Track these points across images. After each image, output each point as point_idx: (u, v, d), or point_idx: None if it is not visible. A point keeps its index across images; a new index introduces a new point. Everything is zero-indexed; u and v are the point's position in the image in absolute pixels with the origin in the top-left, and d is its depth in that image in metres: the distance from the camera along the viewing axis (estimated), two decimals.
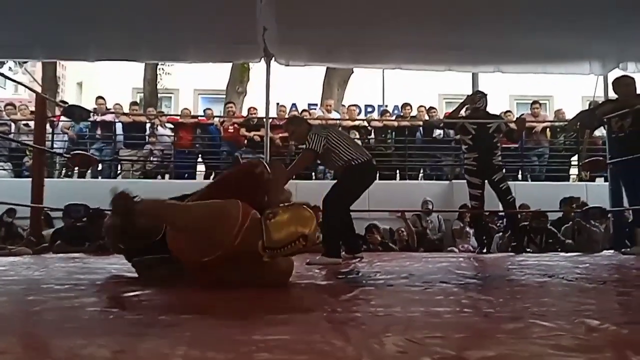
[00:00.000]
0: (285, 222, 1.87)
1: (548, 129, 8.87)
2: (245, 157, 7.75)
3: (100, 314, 1.46)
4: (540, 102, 9.57)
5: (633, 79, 4.82)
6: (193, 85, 13.75)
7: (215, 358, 0.93)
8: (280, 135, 7.80)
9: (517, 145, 8.22)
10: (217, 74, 11.36)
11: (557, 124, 8.84)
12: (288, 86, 10.44)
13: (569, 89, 12.04)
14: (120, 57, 5.86)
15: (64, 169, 8.74)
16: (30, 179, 5.01)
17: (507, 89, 12.40)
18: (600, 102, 5.56)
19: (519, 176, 8.61)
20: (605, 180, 6.36)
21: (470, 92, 5.76)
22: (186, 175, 8.66)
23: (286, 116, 8.28)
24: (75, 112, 5.54)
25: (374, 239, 6.11)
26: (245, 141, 8.68)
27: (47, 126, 6.83)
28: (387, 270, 2.80)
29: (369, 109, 13.49)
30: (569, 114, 8.08)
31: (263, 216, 1.90)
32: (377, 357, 0.96)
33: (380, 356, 0.97)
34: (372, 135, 8.92)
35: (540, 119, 8.87)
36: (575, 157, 8.84)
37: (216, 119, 8.94)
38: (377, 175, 4.21)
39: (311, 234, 1.86)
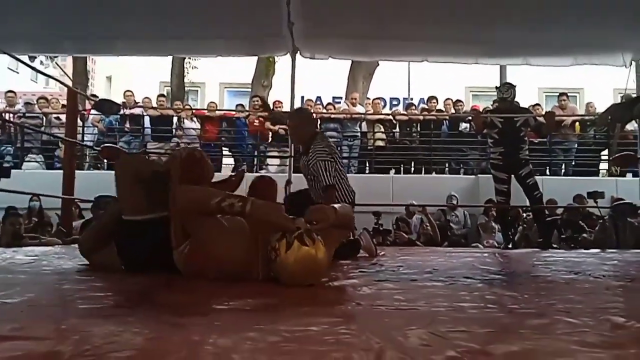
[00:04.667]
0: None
1: (577, 123, 8.70)
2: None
3: (134, 303, 1.51)
4: (570, 95, 9.38)
5: None
6: (219, 79, 13.87)
7: (245, 347, 0.97)
8: None
9: (545, 139, 8.09)
10: (242, 68, 11.44)
11: (587, 117, 8.66)
12: (313, 79, 10.46)
13: (600, 82, 11.77)
14: (147, 51, 5.97)
15: (94, 161, 8.95)
16: (61, 171, 5.15)
17: (535, 82, 12.18)
18: (632, 94, 5.43)
19: (547, 171, 8.47)
20: (635, 176, 6.22)
21: (497, 84, 5.67)
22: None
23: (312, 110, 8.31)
24: (105, 106, 5.67)
25: (401, 236, 6.09)
26: (270, 135, 8.76)
27: (77, 119, 7.00)
28: (410, 265, 2.80)
29: (394, 102, 13.42)
30: (600, 107, 7.91)
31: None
32: (401, 349, 0.97)
33: (404, 349, 0.98)
34: (397, 129, 8.88)
35: (569, 112, 8.69)
36: (606, 152, 8.66)
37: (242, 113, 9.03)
38: None
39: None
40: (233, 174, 2.65)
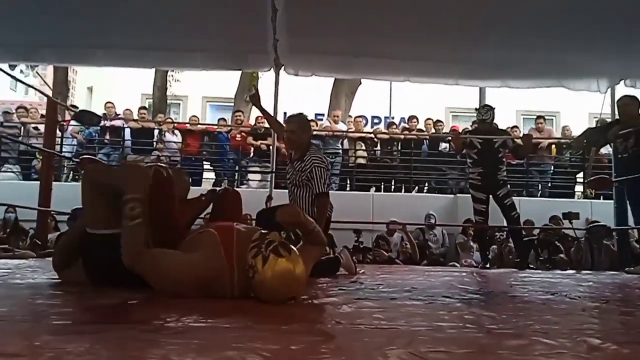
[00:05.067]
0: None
1: (554, 145, 8.88)
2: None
3: (109, 319, 1.48)
4: (547, 118, 9.59)
5: (632, 97, 4.84)
6: (202, 92, 13.83)
7: None
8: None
9: (522, 161, 8.23)
10: (225, 82, 11.43)
11: (563, 140, 8.85)
12: (296, 96, 10.50)
13: (576, 106, 12.06)
14: (129, 63, 5.94)
15: (72, 172, 8.81)
16: (38, 182, 5.06)
17: (514, 104, 12.42)
18: (607, 119, 5.57)
19: (524, 192, 8.60)
20: (608, 199, 6.35)
21: (477, 106, 5.78)
22: (192, 181, 8.71)
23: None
24: (85, 117, 5.61)
25: (381, 254, 6.11)
26: (252, 150, 8.75)
27: (57, 130, 6.90)
28: (389, 284, 2.81)
29: (376, 121, 13.53)
30: (576, 131, 8.10)
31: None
32: None
33: None
34: (378, 147, 8.95)
35: (546, 134, 8.89)
36: (581, 174, 8.84)
37: (224, 128, 9.01)
38: None
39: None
40: (204, 194, 2.61)
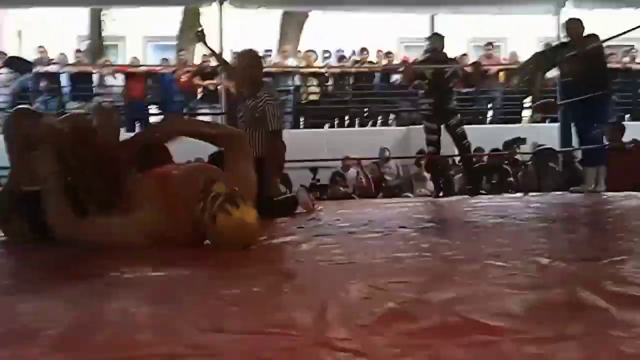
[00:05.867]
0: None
1: (502, 72, 8.99)
2: None
3: (62, 274, 1.43)
4: (495, 44, 9.63)
5: (578, 20, 4.88)
6: (142, 32, 13.11)
7: (184, 314, 0.94)
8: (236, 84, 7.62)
9: (472, 89, 8.32)
10: (167, 20, 10.86)
11: (511, 66, 8.95)
12: (242, 32, 10.10)
13: (524, 31, 12.12)
14: (60, 2, 5.53)
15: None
16: None
17: (464, 33, 12.37)
18: (554, 43, 5.64)
19: (473, 120, 8.75)
20: (554, 122, 6.54)
21: (428, 35, 5.71)
22: (138, 126, 8.40)
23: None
24: (15, 64, 5.26)
25: (338, 190, 6.17)
26: (200, 91, 8.48)
27: None
28: (347, 218, 2.84)
29: (326, 55, 13.25)
30: (524, 56, 8.19)
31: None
32: (343, 304, 0.98)
33: (346, 303, 0.99)
34: (330, 82, 8.83)
35: (494, 61, 8.96)
36: (528, 100, 9.04)
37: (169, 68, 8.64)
38: None
39: None
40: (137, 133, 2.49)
